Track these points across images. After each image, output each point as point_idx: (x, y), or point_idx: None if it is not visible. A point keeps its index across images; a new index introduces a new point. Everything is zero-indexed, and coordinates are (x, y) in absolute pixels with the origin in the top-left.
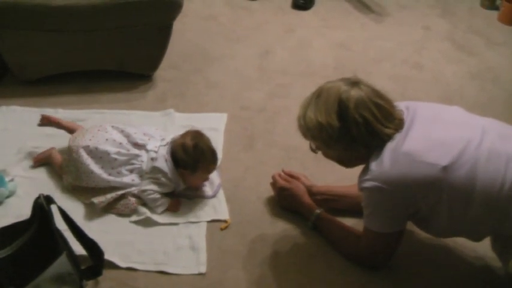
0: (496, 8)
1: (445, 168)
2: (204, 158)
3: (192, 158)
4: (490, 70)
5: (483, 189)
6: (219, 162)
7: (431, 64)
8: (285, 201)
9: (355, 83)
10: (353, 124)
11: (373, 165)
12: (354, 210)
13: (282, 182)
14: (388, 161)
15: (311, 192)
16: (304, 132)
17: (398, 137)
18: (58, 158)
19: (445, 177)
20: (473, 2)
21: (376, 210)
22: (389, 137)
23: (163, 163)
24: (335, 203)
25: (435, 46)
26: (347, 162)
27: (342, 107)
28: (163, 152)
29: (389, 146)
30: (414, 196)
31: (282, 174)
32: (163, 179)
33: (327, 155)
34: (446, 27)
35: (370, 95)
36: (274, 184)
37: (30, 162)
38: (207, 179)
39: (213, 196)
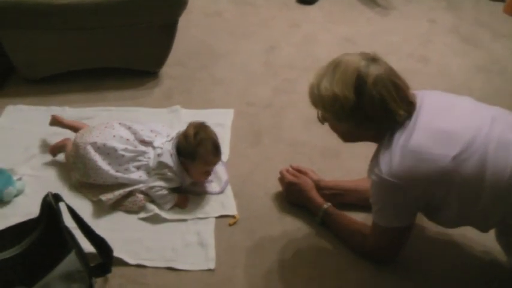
0: (502, 0)
1: (454, 158)
2: (203, 146)
3: (191, 145)
4: (496, 62)
5: (493, 178)
6: (226, 158)
7: (437, 57)
8: (293, 196)
9: (374, 59)
10: (369, 100)
11: (383, 159)
12: (362, 205)
13: (289, 177)
14: (397, 156)
15: (319, 186)
16: (316, 101)
17: (407, 126)
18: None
19: (455, 168)
20: None
21: (386, 205)
22: (401, 118)
23: (169, 157)
24: (343, 198)
25: (441, 39)
26: (351, 139)
27: (360, 82)
28: (169, 147)
29: (398, 139)
30: (425, 189)
31: (290, 169)
32: (169, 174)
33: (334, 127)
34: (452, 20)
35: (388, 73)
36: (282, 179)
37: (37, 161)
38: (209, 172)
39: (221, 192)
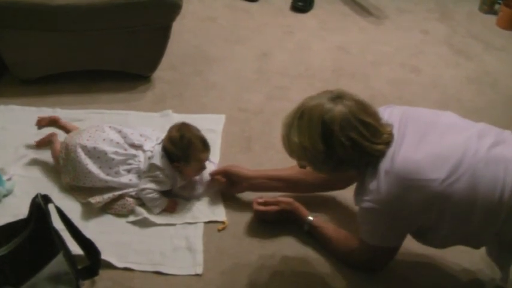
0: (495, 13)
1: (443, 181)
2: (193, 147)
3: (181, 149)
4: (488, 74)
5: (484, 197)
6: (216, 161)
7: (429, 68)
8: (282, 217)
9: (338, 97)
10: (339, 147)
11: (371, 186)
12: (293, 193)
13: (274, 208)
14: (384, 183)
15: (246, 176)
16: (290, 152)
17: (391, 153)
18: (58, 147)
19: (445, 191)
20: (472, 6)
21: (376, 228)
22: (380, 153)
23: (160, 160)
24: (269, 185)
25: (433, 50)
26: (337, 178)
27: (327, 130)
28: (159, 149)
29: (384, 165)
30: (416, 214)
31: (261, 201)
32: (161, 176)
33: (315, 172)
34: (445, 32)
35: (355, 112)
36: (265, 214)
37: (27, 161)
38: (203, 167)
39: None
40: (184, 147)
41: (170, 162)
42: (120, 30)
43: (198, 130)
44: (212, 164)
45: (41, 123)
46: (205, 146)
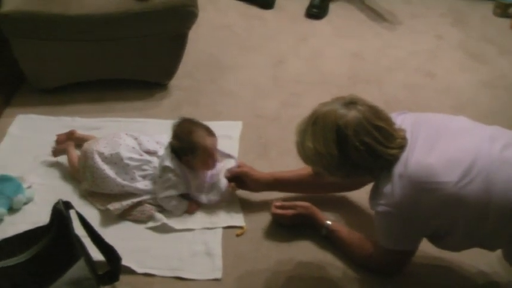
0: (508, 16)
1: (456, 184)
2: (195, 134)
3: (185, 139)
4: (503, 78)
5: (498, 199)
6: (235, 156)
7: (443, 73)
8: (299, 221)
9: (351, 103)
10: (354, 151)
11: (385, 190)
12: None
13: (290, 212)
14: (398, 187)
15: (258, 181)
16: (304, 159)
17: (404, 157)
18: (74, 156)
19: (459, 192)
20: (486, 10)
21: (391, 232)
22: (393, 157)
23: (169, 161)
24: (283, 188)
25: (448, 55)
26: (352, 182)
27: (341, 135)
28: (167, 151)
29: (398, 169)
30: (430, 217)
31: (278, 204)
32: (173, 178)
33: (330, 178)
34: (459, 36)
35: (368, 117)
36: (283, 217)
37: (47, 170)
38: (213, 157)
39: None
40: (186, 137)
41: (179, 159)
42: (137, 39)
43: (198, 120)
44: (233, 160)
45: (60, 140)
46: (208, 131)
